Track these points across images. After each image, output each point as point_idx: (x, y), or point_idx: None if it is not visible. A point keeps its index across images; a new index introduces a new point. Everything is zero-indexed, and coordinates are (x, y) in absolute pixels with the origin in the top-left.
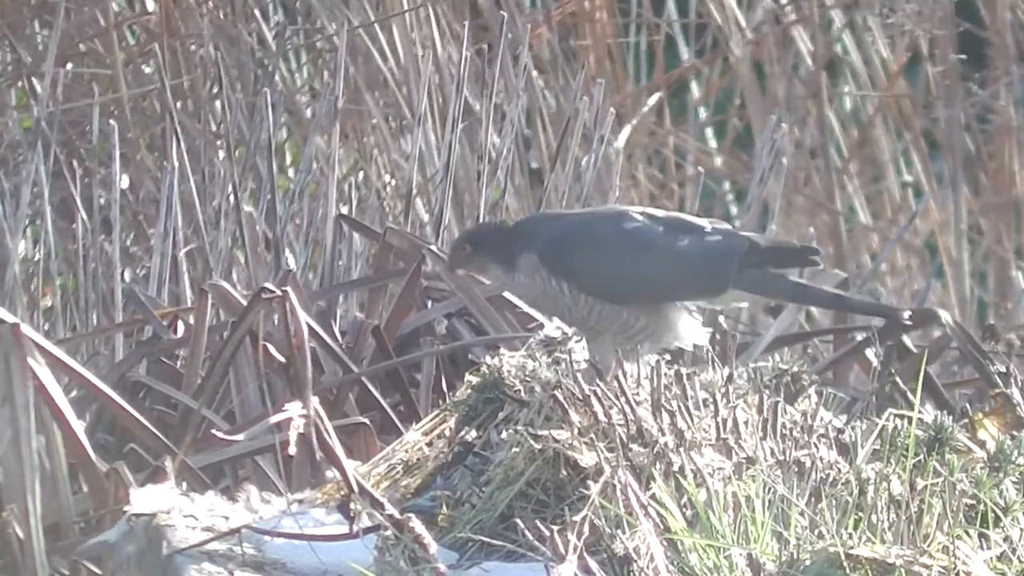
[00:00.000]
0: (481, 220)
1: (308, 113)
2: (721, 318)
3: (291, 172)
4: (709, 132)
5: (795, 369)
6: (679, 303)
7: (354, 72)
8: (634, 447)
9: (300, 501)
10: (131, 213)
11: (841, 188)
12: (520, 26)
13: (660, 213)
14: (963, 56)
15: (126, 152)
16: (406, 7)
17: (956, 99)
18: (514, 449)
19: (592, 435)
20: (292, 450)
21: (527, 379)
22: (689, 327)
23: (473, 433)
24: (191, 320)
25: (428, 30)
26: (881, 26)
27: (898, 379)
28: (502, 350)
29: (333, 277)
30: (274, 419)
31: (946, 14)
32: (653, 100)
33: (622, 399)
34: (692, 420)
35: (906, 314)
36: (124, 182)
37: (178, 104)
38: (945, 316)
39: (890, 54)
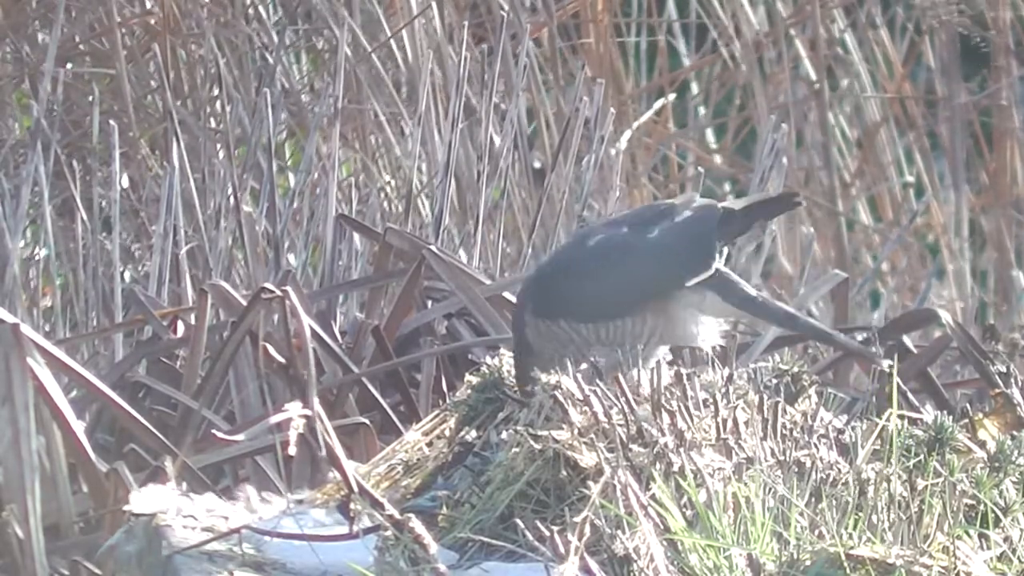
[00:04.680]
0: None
1: (309, 113)
2: None
3: (291, 172)
4: (710, 132)
5: (795, 369)
6: (679, 300)
7: (356, 71)
8: (634, 447)
9: (300, 501)
10: (132, 212)
11: (843, 188)
12: (521, 25)
13: (625, 212)
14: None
15: (127, 151)
16: (413, 11)
17: (957, 99)
18: (514, 449)
19: (592, 435)
20: (292, 450)
21: None
22: (700, 324)
23: (473, 433)
24: (191, 320)
25: (431, 30)
26: (885, 23)
27: (898, 379)
28: (502, 350)
29: (333, 277)
30: (274, 419)
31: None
32: (659, 104)
33: (622, 399)
34: (692, 420)
35: (886, 362)
36: (124, 181)
37: (178, 103)
38: (945, 316)
39: (894, 51)
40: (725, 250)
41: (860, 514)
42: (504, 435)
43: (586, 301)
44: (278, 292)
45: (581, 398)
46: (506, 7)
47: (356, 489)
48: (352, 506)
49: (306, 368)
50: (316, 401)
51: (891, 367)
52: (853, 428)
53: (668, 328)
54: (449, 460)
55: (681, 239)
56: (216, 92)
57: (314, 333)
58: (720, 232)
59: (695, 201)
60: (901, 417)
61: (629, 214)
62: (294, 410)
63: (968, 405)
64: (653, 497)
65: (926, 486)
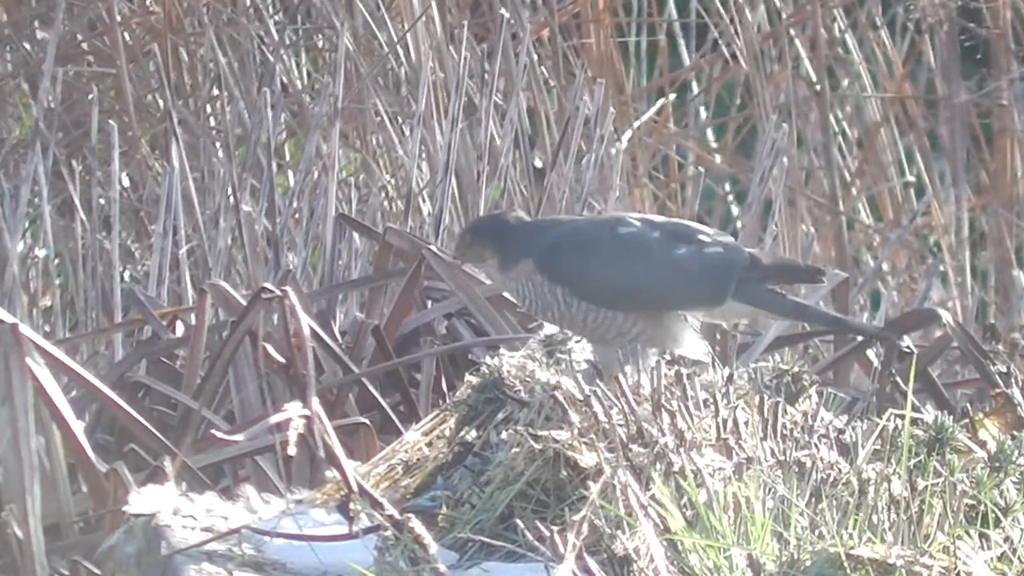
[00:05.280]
0: (490, 212)
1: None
2: None
3: (291, 172)
4: (710, 132)
5: (795, 369)
6: (677, 312)
7: (357, 69)
8: (634, 447)
9: (300, 501)
10: (132, 212)
11: (844, 188)
12: (522, 24)
13: (660, 219)
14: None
15: (127, 151)
16: (415, 10)
17: (957, 98)
18: (514, 449)
19: (592, 435)
20: (292, 450)
21: (527, 379)
22: (689, 337)
23: (473, 433)
24: (191, 320)
25: (432, 29)
26: (886, 25)
27: (898, 379)
28: (502, 350)
29: (333, 277)
30: (274, 419)
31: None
32: (660, 104)
33: (622, 399)
34: (692, 420)
35: (905, 342)
36: (125, 181)
37: (179, 103)
38: (945, 316)
39: (893, 50)
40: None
41: (860, 514)
42: (504, 435)
43: (591, 281)
44: (278, 292)
45: (581, 398)
46: (507, 7)
47: (356, 489)
48: (352, 506)
49: (306, 368)
50: (316, 401)
51: (908, 349)
52: (853, 428)
53: (656, 333)
54: (449, 460)
55: (702, 270)
56: (216, 92)
57: (314, 333)
58: (741, 277)
59: (728, 240)
60: (901, 417)
61: (664, 222)
62: (294, 410)
63: (968, 405)
64: (653, 497)
65: (926, 486)
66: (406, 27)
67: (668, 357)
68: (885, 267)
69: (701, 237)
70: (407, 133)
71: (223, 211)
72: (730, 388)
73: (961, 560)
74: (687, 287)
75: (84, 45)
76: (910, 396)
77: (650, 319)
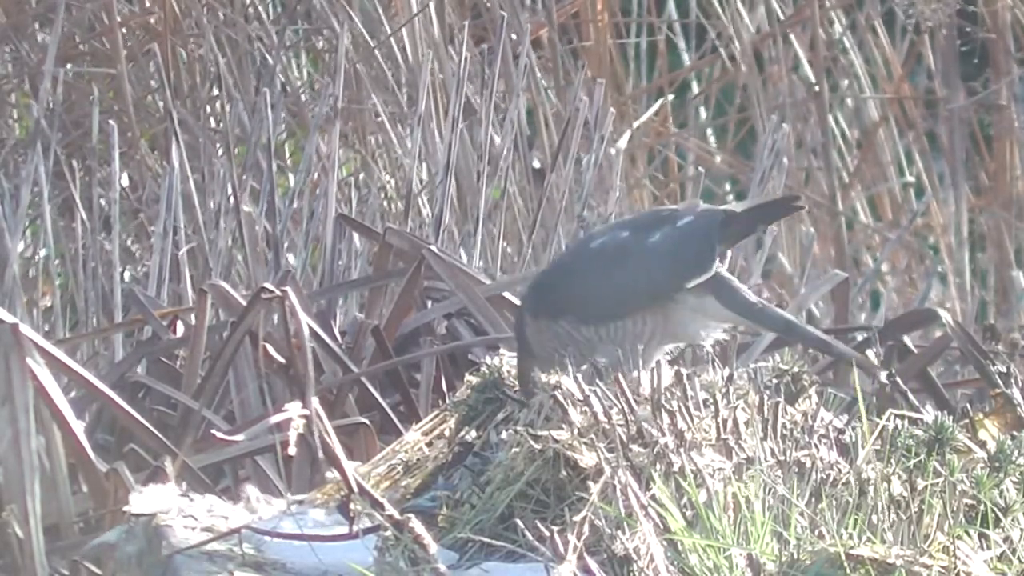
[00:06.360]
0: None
1: (309, 113)
2: None
3: (291, 172)
4: (710, 132)
5: (795, 369)
6: (679, 303)
7: (356, 69)
8: (634, 447)
9: (300, 501)
10: (132, 212)
11: (843, 188)
12: (521, 25)
13: (627, 218)
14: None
15: (127, 151)
16: (414, 10)
17: (957, 99)
18: (514, 449)
19: (592, 435)
20: (292, 450)
21: None
22: (701, 324)
23: (473, 433)
24: (191, 320)
25: (431, 30)
26: (883, 25)
27: (898, 379)
28: (502, 350)
29: (333, 277)
30: (274, 419)
31: (948, 13)
32: (658, 104)
33: (622, 399)
34: (692, 420)
35: (884, 375)
36: (124, 181)
37: (178, 103)
38: (945, 316)
39: (891, 52)
40: (727, 253)
41: (860, 514)
42: (504, 435)
43: (587, 301)
44: (278, 292)
45: (581, 398)
46: (505, 8)
47: (356, 489)
48: (352, 506)
49: (305, 368)
50: (316, 401)
51: (891, 376)
52: (853, 428)
53: (668, 329)
54: (449, 460)
55: (682, 242)
56: (216, 92)
57: (314, 333)
58: (722, 235)
59: (698, 206)
60: (901, 417)
61: (632, 219)
62: (294, 410)
63: (968, 405)
64: (653, 497)
65: (926, 486)
66: (405, 28)
67: (667, 356)
68: (885, 267)
69: (671, 215)
70: (406, 133)
71: (223, 211)
72: (730, 388)
73: (961, 560)
74: (673, 265)
75: (83, 46)
76: (900, 399)
77: (656, 315)
